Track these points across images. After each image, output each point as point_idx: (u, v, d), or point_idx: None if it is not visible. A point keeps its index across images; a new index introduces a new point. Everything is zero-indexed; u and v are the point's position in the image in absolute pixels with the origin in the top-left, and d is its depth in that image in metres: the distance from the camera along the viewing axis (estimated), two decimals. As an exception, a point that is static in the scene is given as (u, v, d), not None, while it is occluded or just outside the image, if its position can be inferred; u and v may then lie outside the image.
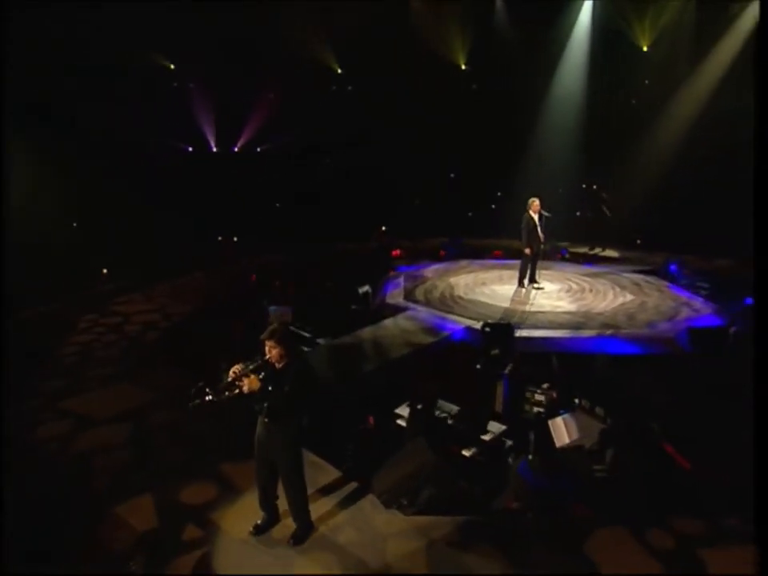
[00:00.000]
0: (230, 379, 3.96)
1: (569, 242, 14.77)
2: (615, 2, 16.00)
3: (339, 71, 18.89)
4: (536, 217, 9.71)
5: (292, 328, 8.34)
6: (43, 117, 13.13)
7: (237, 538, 4.37)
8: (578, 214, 18.35)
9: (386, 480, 5.01)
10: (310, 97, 17.78)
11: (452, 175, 20.68)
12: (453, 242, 14.14)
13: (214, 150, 18.94)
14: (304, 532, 4.37)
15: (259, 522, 4.45)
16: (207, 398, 3.87)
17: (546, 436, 5.83)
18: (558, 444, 5.74)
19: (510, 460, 5.73)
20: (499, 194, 20.09)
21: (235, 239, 16.67)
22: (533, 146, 18.50)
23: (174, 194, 15.57)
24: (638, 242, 15.33)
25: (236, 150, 19.41)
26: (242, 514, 4.60)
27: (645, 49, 16.69)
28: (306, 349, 7.83)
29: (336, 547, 4.30)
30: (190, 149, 18.51)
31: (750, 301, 8.97)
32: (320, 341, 8.02)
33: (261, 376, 4.00)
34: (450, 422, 6.15)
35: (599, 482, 5.32)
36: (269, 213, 18.04)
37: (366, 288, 9.19)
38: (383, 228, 17.66)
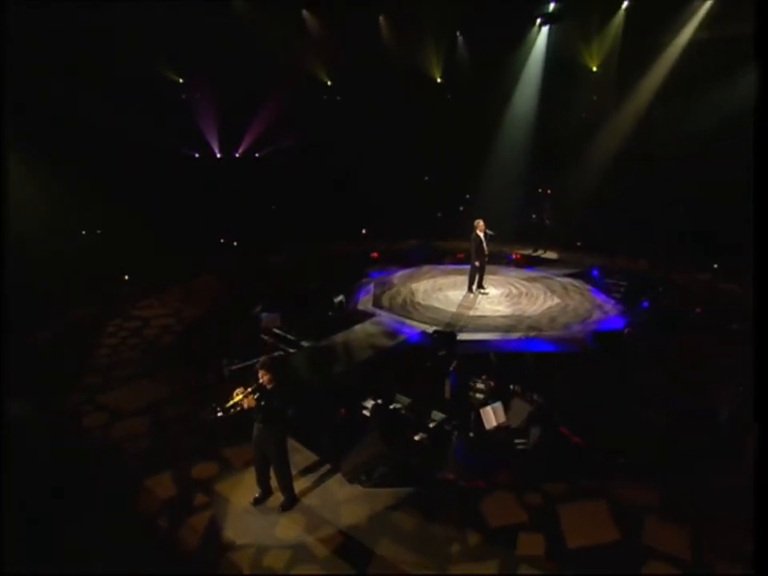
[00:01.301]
0: (233, 401, 5.09)
1: (519, 242, 15.77)
2: (567, 29, 16.71)
3: (329, 83, 19.61)
4: (482, 235, 10.80)
5: (279, 332, 9.54)
6: (67, 130, 13.64)
7: (242, 507, 5.51)
8: (533, 216, 19.17)
9: (350, 462, 6.14)
10: (303, 106, 18.36)
11: (426, 178, 21.46)
12: (418, 249, 15.09)
13: (218, 155, 19.61)
14: (290, 502, 5.55)
15: (257, 495, 5.61)
16: (218, 415, 5.02)
17: (479, 420, 6.97)
18: (487, 427, 6.83)
19: (453, 438, 6.92)
20: (468, 196, 20.95)
21: (235, 243, 17.41)
22: (496, 152, 19.37)
23: (181, 198, 16.32)
24: (579, 243, 16.32)
25: (237, 155, 20.07)
26: (238, 486, 5.83)
27: (594, 69, 17.47)
28: (291, 350, 9.03)
29: (307, 510, 5.49)
30: (197, 155, 19.18)
31: (645, 304, 10.20)
32: (304, 343, 9.03)
33: (256, 396, 5.14)
34: (403, 412, 7.15)
35: (521, 454, 6.48)
36: (267, 215, 18.63)
37: (341, 297, 10.30)
38: (364, 231, 18.64)
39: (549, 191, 20.42)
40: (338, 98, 20.08)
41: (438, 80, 19.26)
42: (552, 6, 15.68)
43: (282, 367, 5.64)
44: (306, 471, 6.12)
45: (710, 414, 6.93)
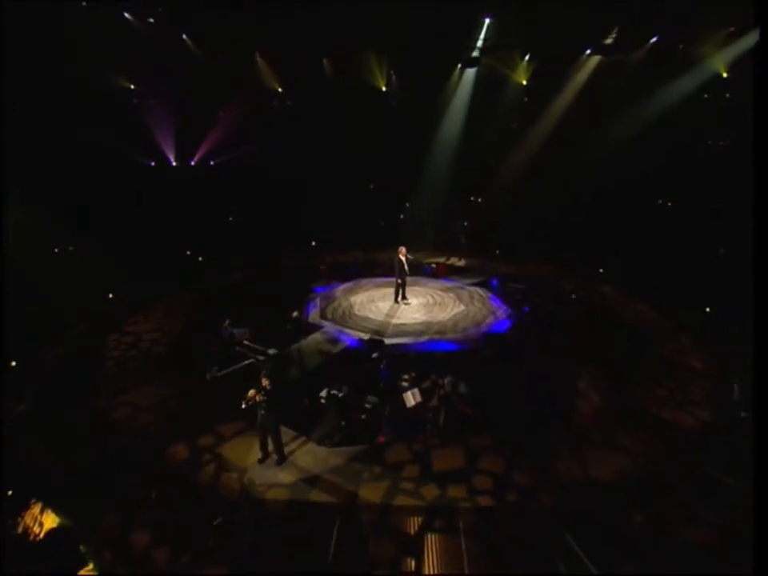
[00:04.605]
0: (249, 398, 8.78)
1: (438, 252, 19.46)
2: (497, 51, 20.03)
3: (280, 89, 22.33)
4: (403, 259, 14.63)
5: (249, 343, 13.20)
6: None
7: (252, 463, 9.10)
8: (465, 224, 22.71)
9: (317, 433, 9.96)
10: (254, 114, 21.07)
11: (371, 186, 24.56)
12: (356, 264, 18.58)
13: (174, 164, 21.91)
14: (281, 460, 9.25)
15: (260, 456, 9.15)
16: (243, 407, 8.75)
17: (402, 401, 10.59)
18: (407, 406, 10.50)
19: (386, 414, 10.66)
20: (408, 204, 24.41)
21: (200, 258, 20.42)
22: (431, 163, 22.73)
23: (145, 209, 18.61)
24: (497, 252, 20.16)
25: (192, 163, 22.44)
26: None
27: (524, 83, 21.05)
28: (260, 358, 12.58)
29: (290, 463, 9.23)
30: (153, 163, 21.43)
31: (526, 309, 14.33)
32: (270, 351, 12.60)
33: (262, 393, 8.86)
34: (348, 398, 10.58)
35: (432, 423, 10.18)
36: (224, 227, 21.52)
37: (296, 313, 14.07)
38: (313, 243, 22.10)
39: (480, 200, 24.31)
40: (289, 102, 22.94)
41: (384, 89, 22.20)
42: (473, 52, 19.43)
43: (275, 376, 9.33)
44: (289, 441, 9.73)
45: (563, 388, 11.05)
